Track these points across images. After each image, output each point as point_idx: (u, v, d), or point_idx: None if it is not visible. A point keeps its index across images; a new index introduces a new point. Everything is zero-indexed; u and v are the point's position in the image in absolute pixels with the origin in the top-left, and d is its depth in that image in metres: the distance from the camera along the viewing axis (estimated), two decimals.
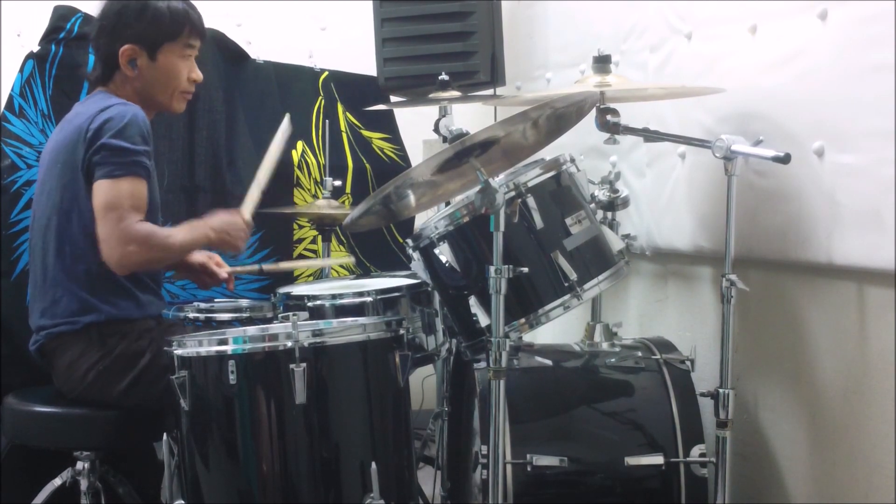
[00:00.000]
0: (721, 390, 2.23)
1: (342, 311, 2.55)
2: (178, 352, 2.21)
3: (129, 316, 2.50)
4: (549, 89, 3.42)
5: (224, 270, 2.81)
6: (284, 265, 3.22)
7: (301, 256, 3.49)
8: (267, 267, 3.04)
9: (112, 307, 2.48)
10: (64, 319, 2.48)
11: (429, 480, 3.08)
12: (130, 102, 2.49)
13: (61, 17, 3.07)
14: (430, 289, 2.57)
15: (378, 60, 3.53)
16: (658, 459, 2.31)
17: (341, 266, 3.51)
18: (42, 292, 2.53)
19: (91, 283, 2.46)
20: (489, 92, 3.51)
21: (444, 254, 2.34)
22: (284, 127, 2.86)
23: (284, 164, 3.41)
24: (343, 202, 3.39)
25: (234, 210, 2.64)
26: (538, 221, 2.26)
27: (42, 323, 2.53)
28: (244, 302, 3.18)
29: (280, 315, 2.36)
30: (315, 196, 3.45)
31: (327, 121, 3.49)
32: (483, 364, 2.39)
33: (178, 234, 2.50)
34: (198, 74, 2.63)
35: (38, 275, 2.55)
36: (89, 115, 2.44)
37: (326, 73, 3.63)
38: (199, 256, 2.78)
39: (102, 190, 2.39)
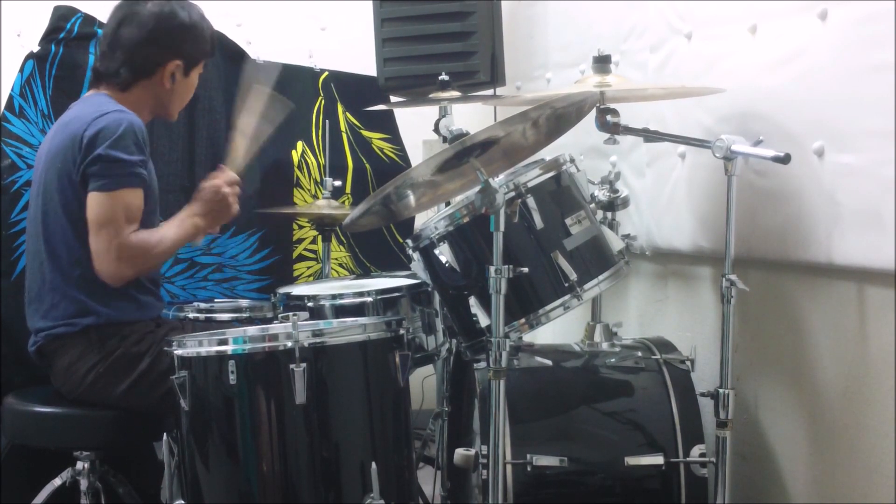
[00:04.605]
0: (721, 390, 2.22)
1: (342, 311, 2.55)
2: (178, 352, 2.21)
3: (128, 318, 2.50)
4: (549, 89, 3.42)
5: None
6: None
7: (301, 257, 3.49)
8: None
9: (111, 309, 2.48)
10: (62, 321, 2.48)
11: (429, 480, 3.08)
12: (127, 109, 2.48)
13: (61, 17, 3.07)
14: (430, 289, 2.56)
15: (378, 60, 3.52)
16: (658, 459, 2.31)
17: (341, 266, 3.51)
18: (40, 296, 2.52)
19: (89, 286, 2.45)
20: (489, 92, 3.50)
21: (444, 254, 2.34)
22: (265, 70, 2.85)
23: (284, 164, 3.42)
24: (343, 202, 3.39)
25: (215, 172, 2.61)
26: (538, 221, 2.26)
27: (41, 325, 2.52)
28: (244, 302, 3.18)
29: (280, 315, 2.36)
30: (315, 196, 3.45)
31: (327, 121, 3.49)
32: (483, 364, 2.39)
33: (168, 235, 2.50)
34: None
35: (35, 278, 2.55)
36: (85, 121, 2.43)
37: (326, 73, 3.63)
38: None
39: (97, 203, 2.39)
